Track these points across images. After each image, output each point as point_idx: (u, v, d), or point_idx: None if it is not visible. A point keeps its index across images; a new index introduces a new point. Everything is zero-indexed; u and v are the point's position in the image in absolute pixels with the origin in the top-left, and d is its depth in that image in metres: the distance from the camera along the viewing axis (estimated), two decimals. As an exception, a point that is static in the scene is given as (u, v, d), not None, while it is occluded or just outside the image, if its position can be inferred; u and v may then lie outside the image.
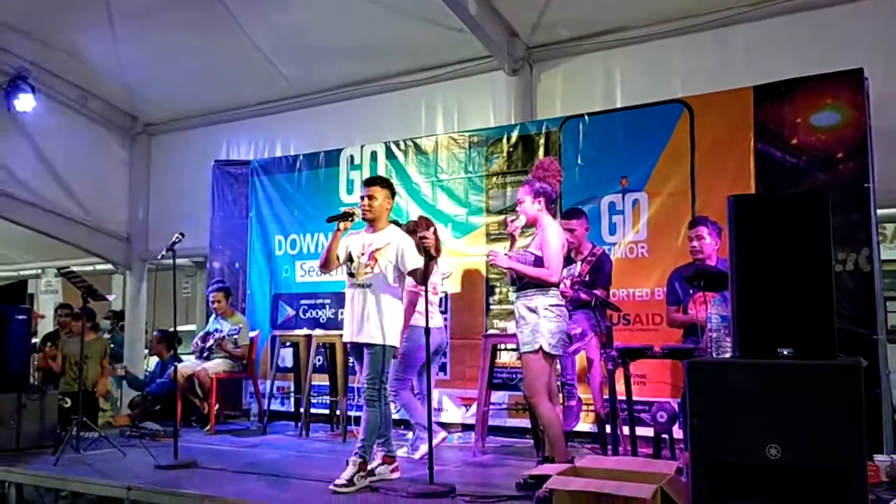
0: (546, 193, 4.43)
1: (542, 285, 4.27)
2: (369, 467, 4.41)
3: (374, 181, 4.74)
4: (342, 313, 5.21)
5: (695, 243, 4.95)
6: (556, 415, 4.33)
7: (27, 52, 7.92)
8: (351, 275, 4.61)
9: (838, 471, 2.77)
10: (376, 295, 4.50)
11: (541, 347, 4.18)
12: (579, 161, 6.18)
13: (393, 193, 4.75)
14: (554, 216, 4.67)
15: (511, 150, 6.52)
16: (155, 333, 7.51)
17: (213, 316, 7.28)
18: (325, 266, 4.69)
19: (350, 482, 4.21)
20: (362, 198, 4.65)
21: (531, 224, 4.47)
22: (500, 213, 6.41)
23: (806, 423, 2.83)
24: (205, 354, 7.07)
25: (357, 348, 4.62)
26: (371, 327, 4.47)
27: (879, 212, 5.26)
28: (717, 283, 4.20)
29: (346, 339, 4.68)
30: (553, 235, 4.33)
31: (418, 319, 5.17)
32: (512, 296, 4.68)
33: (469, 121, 7.16)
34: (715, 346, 3.39)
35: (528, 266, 4.31)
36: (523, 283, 4.35)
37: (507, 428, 6.13)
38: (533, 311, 4.24)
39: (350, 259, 4.62)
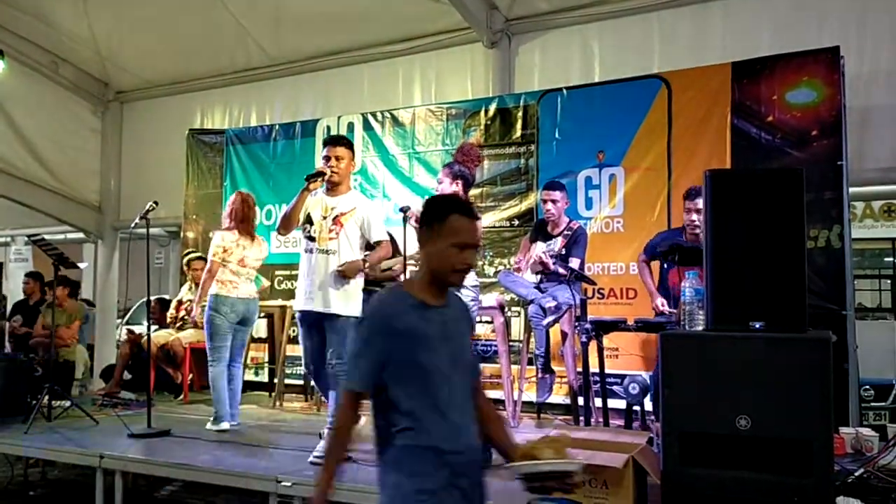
0: (464, 176, 4.48)
1: None
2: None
3: (339, 141, 4.53)
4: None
5: (694, 216, 4.78)
6: None
7: (-6, 15, 7.74)
8: (311, 238, 4.39)
9: (805, 442, 2.83)
10: (340, 261, 4.34)
11: None
12: (556, 135, 6.19)
13: (354, 155, 4.61)
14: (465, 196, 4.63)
15: (489, 123, 6.50)
16: (153, 303, 7.47)
17: (188, 284, 7.23)
18: (286, 227, 4.45)
19: (327, 453, 4.20)
20: (327, 158, 4.43)
21: None
22: (476, 186, 6.40)
23: (775, 395, 2.89)
24: (178, 324, 7.03)
25: (313, 316, 4.38)
26: (336, 298, 4.30)
27: (851, 190, 5.33)
28: (692, 259, 4.24)
29: (302, 306, 4.39)
30: None
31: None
32: None
33: (447, 93, 7.11)
34: (688, 319, 3.43)
35: None
36: None
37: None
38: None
39: (309, 221, 4.41)
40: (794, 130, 5.35)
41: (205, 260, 7.22)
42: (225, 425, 5.22)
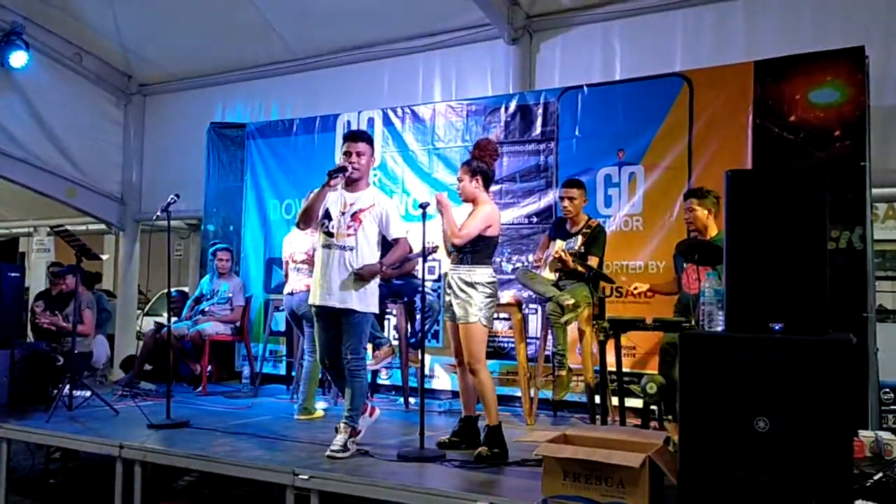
0: (483, 172, 4.46)
1: (480, 260, 4.34)
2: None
3: (360, 136, 4.52)
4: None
5: (687, 215, 4.98)
6: (492, 380, 4.42)
7: (21, 7, 7.81)
8: (329, 234, 4.39)
9: (824, 445, 2.81)
10: (358, 258, 4.34)
11: (479, 320, 4.26)
12: (577, 133, 6.18)
13: (373, 151, 4.60)
14: (489, 193, 4.63)
15: (509, 119, 6.49)
16: (175, 295, 7.54)
17: (210, 276, 7.30)
18: (306, 221, 4.44)
19: (344, 447, 4.24)
20: (347, 153, 4.41)
21: (470, 200, 4.49)
22: (495, 182, 6.40)
23: (794, 397, 2.87)
24: (196, 317, 7.09)
25: (329, 311, 4.39)
26: (353, 294, 4.30)
27: (873, 191, 5.28)
28: (712, 257, 4.22)
29: (318, 301, 4.37)
30: (484, 212, 4.38)
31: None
32: (446, 266, 4.68)
33: (467, 89, 7.11)
34: (707, 320, 3.41)
35: (452, 220, 4.35)
36: (460, 257, 4.37)
37: (498, 396, 6.18)
38: (470, 285, 4.31)
39: (328, 217, 4.40)
40: (816, 130, 5.30)
41: (229, 250, 7.33)
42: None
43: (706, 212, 4.89)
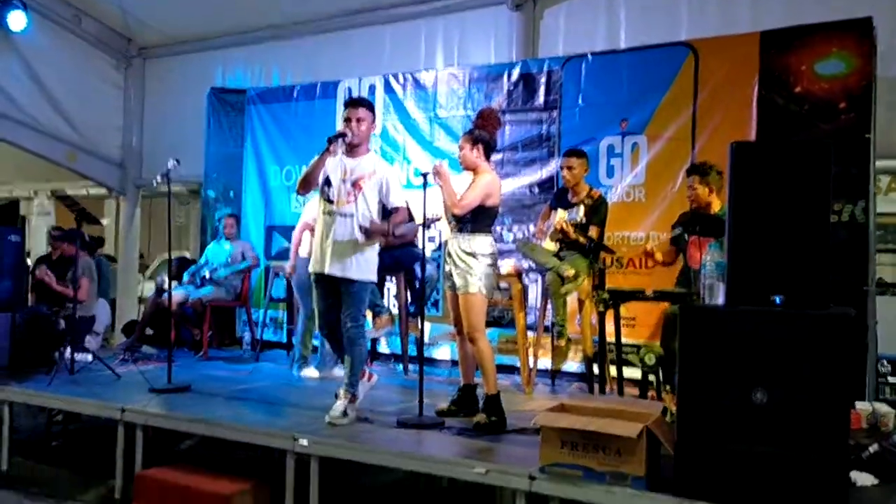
0: (485, 141, 4.44)
1: (480, 230, 4.33)
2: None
3: (361, 102, 4.47)
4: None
5: (689, 192, 4.96)
6: (491, 349, 4.44)
7: (18, -33, 7.71)
8: (329, 201, 4.36)
9: (821, 417, 2.83)
10: (357, 226, 4.31)
11: (478, 290, 4.26)
12: (580, 102, 6.13)
13: (374, 117, 4.55)
14: (490, 163, 4.61)
15: (511, 88, 6.44)
16: (175, 261, 7.54)
17: (217, 239, 7.31)
18: (305, 187, 4.41)
19: (344, 414, 4.27)
20: (348, 119, 4.38)
21: (471, 169, 4.46)
22: (497, 152, 6.36)
23: (792, 370, 2.88)
24: (198, 283, 7.11)
25: (329, 279, 4.36)
26: (352, 262, 4.29)
27: (876, 163, 5.26)
28: (714, 230, 4.22)
29: (318, 269, 4.36)
30: (485, 181, 4.35)
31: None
32: (446, 236, 4.67)
33: (469, 56, 7.04)
34: (708, 292, 3.42)
35: (451, 190, 4.32)
36: (460, 226, 4.36)
37: (497, 365, 6.22)
38: (470, 255, 4.30)
39: (328, 184, 4.38)
40: (821, 102, 5.27)
41: (235, 216, 7.35)
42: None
43: (707, 189, 4.85)
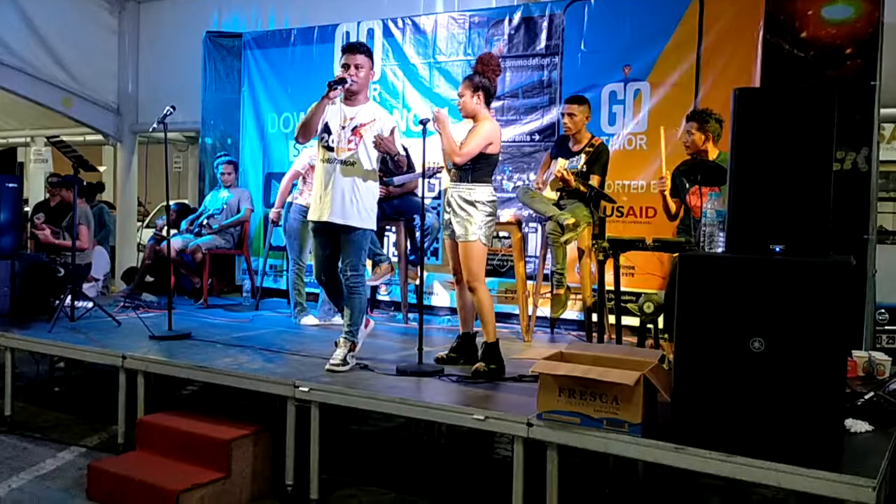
0: (485, 88, 4.36)
1: (480, 178, 4.29)
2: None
3: (360, 48, 4.39)
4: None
5: (686, 138, 4.92)
6: (490, 298, 4.44)
7: None
8: (328, 148, 4.32)
9: (818, 364, 2.84)
10: (358, 174, 4.29)
11: (478, 239, 4.25)
12: (582, 47, 6.03)
13: (373, 64, 4.48)
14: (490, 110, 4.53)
15: (512, 32, 6.33)
16: (173, 208, 7.50)
17: (217, 187, 7.27)
18: (305, 135, 4.36)
19: (344, 361, 4.29)
20: (346, 66, 4.31)
21: (471, 116, 4.40)
22: (497, 98, 6.29)
23: (791, 318, 2.88)
24: (196, 230, 7.10)
25: (329, 227, 4.34)
26: (353, 210, 4.26)
27: (881, 111, 5.20)
28: (715, 178, 4.18)
29: (318, 217, 4.32)
30: (484, 129, 4.29)
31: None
32: (446, 182, 4.63)
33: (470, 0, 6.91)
34: (707, 241, 3.41)
35: (451, 138, 4.28)
36: (460, 175, 4.32)
37: (497, 314, 6.24)
38: (470, 203, 4.27)
39: (327, 131, 4.33)
40: (827, 48, 5.18)
41: (233, 163, 7.29)
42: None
43: (703, 136, 4.80)
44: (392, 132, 4.33)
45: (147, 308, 6.45)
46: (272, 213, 6.03)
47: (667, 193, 4.94)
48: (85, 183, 6.96)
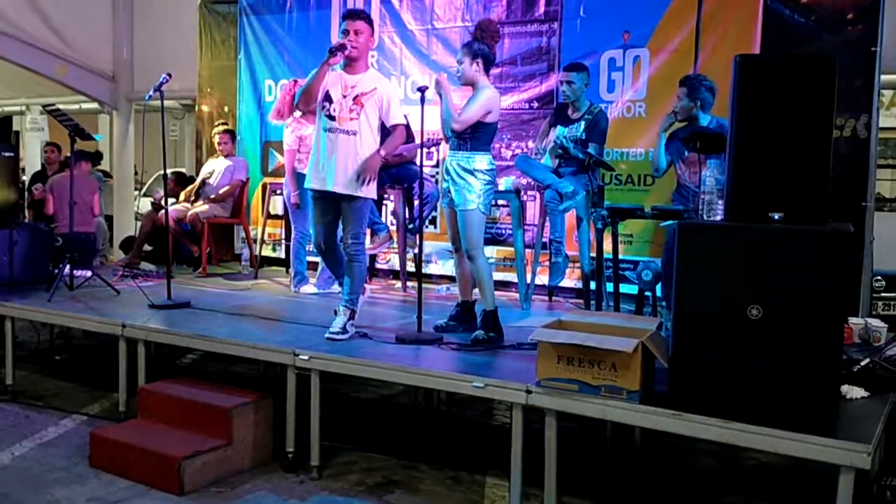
0: (484, 55, 4.31)
1: (479, 147, 4.27)
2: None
3: (359, 14, 4.36)
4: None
5: (675, 103, 4.85)
6: (489, 266, 4.46)
7: None
8: (330, 117, 4.30)
9: (815, 331, 2.86)
10: (360, 143, 4.27)
11: (477, 207, 4.24)
12: (581, 13, 5.97)
13: (373, 31, 4.46)
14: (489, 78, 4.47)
15: (511, -2, 6.26)
16: (171, 176, 7.47)
17: (216, 157, 7.23)
18: (306, 102, 4.35)
19: (343, 330, 4.30)
20: (346, 32, 4.27)
21: (469, 84, 4.35)
22: (495, 66, 6.23)
23: (789, 285, 2.89)
24: (192, 199, 7.08)
25: (330, 196, 4.35)
26: (355, 179, 4.26)
27: (882, 77, 5.17)
28: (714, 146, 4.17)
29: (319, 186, 4.33)
30: (483, 97, 4.25)
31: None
32: (444, 150, 4.61)
33: (468, -35, 6.83)
34: (706, 209, 3.40)
35: (452, 105, 4.26)
36: (459, 143, 4.30)
37: (495, 282, 6.25)
38: (469, 172, 4.25)
39: (328, 99, 4.30)
40: (828, 13, 5.14)
41: (229, 131, 7.22)
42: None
43: (693, 104, 4.75)
44: (390, 103, 4.32)
45: (146, 277, 6.46)
46: (293, 199, 5.95)
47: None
48: (95, 151, 6.89)
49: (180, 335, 4.53)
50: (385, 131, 4.45)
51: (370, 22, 4.39)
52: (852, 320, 4.37)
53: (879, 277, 6.21)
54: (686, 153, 4.76)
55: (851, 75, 4.93)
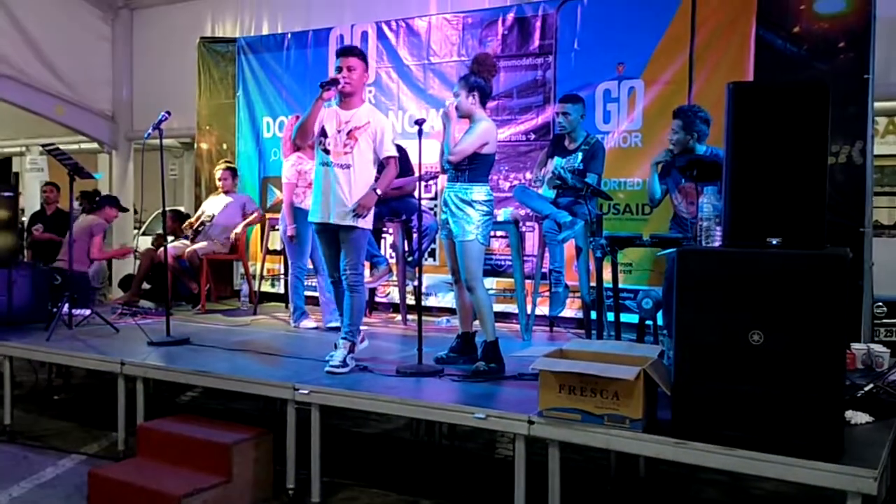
0: (480, 88, 4.36)
1: (476, 178, 4.29)
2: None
3: (352, 51, 4.44)
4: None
5: (671, 136, 4.86)
6: (489, 297, 4.46)
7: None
8: (326, 151, 4.38)
9: (817, 357, 2.84)
10: (355, 176, 4.34)
11: (476, 238, 4.25)
12: (576, 46, 6.05)
13: (367, 67, 4.54)
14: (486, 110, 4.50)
15: (506, 32, 6.34)
16: (170, 214, 7.49)
17: (216, 194, 7.24)
18: (302, 138, 4.44)
19: (343, 363, 4.29)
20: (340, 69, 4.36)
21: (466, 116, 4.39)
22: (492, 98, 6.29)
23: (789, 310, 2.88)
24: (191, 236, 7.09)
25: (330, 228, 4.43)
26: (350, 211, 4.32)
27: (875, 105, 5.21)
28: (710, 174, 4.19)
29: (318, 219, 4.42)
30: (479, 129, 4.28)
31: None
32: (442, 182, 4.63)
33: (463, 1, 6.91)
34: (704, 235, 3.41)
35: (453, 137, 4.28)
36: (457, 175, 4.32)
37: (496, 313, 6.24)
38: (467, 203, 4.27)
39: (324, 134, 4.39)
40: (820, 42, 5.20)
41: (230, 169, 7.24)
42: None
43: (689, 136, 4.77)
44: (383, 136, 4.39)
45: (145, 315, 6.44)
46: (290, 231, 5.96)
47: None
48: (93, 190, 6.88)
49: (179, 372, 4.50)
50: (381, 166, 4.52)
51: (364, 58, 4.46)
52: (855, 346, 4.35)
53: (881, 303, 6.20)
54: (682, 182, 4.78)
55: (845, 102, 4.97)
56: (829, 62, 5.15)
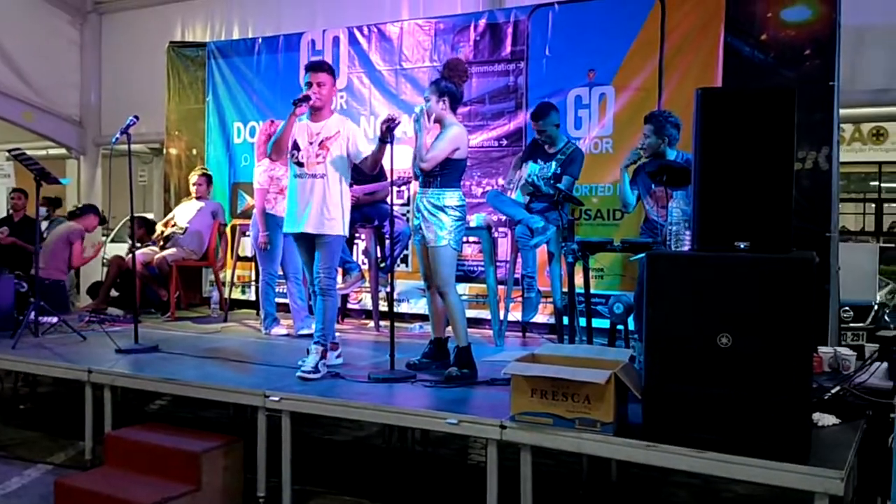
0: (451, 93, 4.38)
1: (448, 183, 4.30)
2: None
3: (321, 66, 4.56)
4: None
5: (642, 141, 4.92)
6: (461, 302, 4.47)
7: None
8: (299, 164, 4.49)
9: (785, 360, 2.87)
10: (329, 185, 4.43)
11: (448, 244, 4.27)
12: (547, 52, 6.07)
13: (335, 80, 4.66)
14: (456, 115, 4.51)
15: (478, 38, 6.35)
16: (137, 220, 7.41)
17: (189, 199, 7.16)
18: (278, 153, 4.58)
19: (315, 369, 4.27)
20: (310, 84, 4.46)
21: (437, 122, 4.39)
22: (464, 104, 6.30)
23: (757, 314, 2.91)
24: (160, 243, 7.01)
25: (306, 238, 4.54)
26: (325, 219, 4.42)
27: (841, 112, 5.29)
28: (680, 179, 4.22)
29: (293, 229, 4.53)
30: (450, 135, 4.28)
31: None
32: (414, 187, 4.66)
33: (435, 7, 6.92)
34: (674, 240, 3.44)
35: (424, 143, 4.28)
36: (429, 180, 4.32)
37: (468, 319, 6.23)
38: (440, 208, 4.28)
39: (296, 147, 4.49)
40: (787, 49, 5.27)
41: (205, 175, 7.17)
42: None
43: (660, 141, 4.83)
44: (356, 139, 4.47)
45: (113, 322, 6.35)
46: (262, 238, 5.90)
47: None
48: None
49: (148, 379, 4.44)
50: (356, 169, 4.59)
51: (332, 72, 4.59)
52: (822, 349, 4.41)
53: (847, 308, 6.29)
54: (653, 187, 4.82)
55: (811, 109, 5.04)
56: (796, 69, 5.23)
